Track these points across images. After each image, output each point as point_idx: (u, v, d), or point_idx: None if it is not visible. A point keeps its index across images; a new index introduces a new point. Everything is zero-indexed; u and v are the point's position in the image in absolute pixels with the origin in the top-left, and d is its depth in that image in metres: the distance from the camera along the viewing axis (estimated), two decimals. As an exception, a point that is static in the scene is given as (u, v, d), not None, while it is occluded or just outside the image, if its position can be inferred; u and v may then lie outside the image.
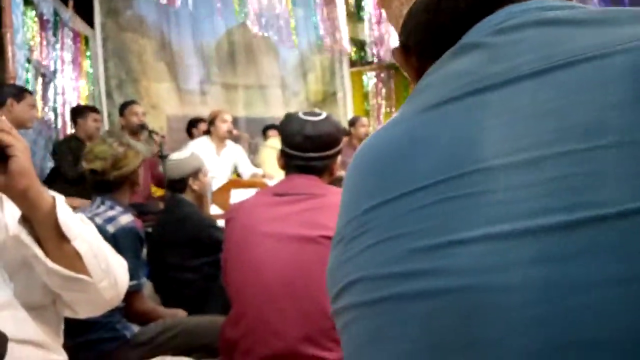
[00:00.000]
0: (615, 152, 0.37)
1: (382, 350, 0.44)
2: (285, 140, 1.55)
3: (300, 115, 1.55)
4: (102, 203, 1.93)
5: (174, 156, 2.62)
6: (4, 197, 1.01)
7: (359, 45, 5.33)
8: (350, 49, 5.10)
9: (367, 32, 5.11)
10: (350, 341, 0.48)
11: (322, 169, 1.53)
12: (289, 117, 1.61)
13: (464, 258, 0.39)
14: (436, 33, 0.53)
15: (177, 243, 2.48)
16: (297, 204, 1.46)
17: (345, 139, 5.03)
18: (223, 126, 3.98)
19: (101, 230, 1.80)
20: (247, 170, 4.15)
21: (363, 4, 4.90)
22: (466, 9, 0.51)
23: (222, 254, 1.57)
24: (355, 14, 5.00)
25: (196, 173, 2.55)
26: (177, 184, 2.55)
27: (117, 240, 1.81)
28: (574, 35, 0.44)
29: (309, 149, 1.50)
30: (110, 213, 1.89)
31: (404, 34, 0.57)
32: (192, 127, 4.74)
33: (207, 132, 4.14)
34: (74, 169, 3.19)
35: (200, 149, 3.94)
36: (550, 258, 0.36)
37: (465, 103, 0.45)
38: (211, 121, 4.04)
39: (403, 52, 0.58)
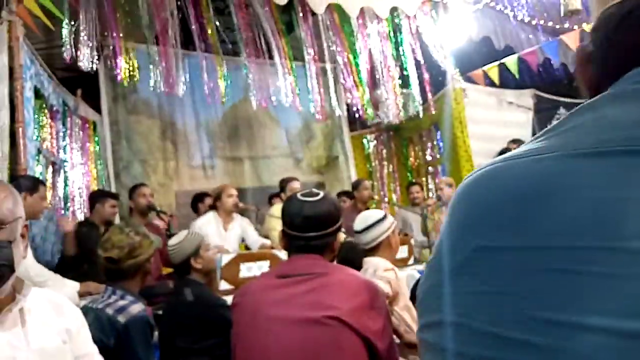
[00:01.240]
0: None
1: None
2: (286, 222, 1.59)
3: (299, 196, 1.60)
4: (114, 293, 1.97)
5: (172, 242, 2.56)
6: (27, 311, 1.08)
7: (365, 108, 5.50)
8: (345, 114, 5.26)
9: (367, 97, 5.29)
10: None
11: (322, 247, 1.56)
12: (288, 200, 1.65)
13: (585, 346, 0.35)
14: (624, 58, 0.48)
15: (186, 325, 2.46)
16: (300, 285, 1.48)
17: (349, 203, 5.10)
18: (230, 200, 4.04)
19: (112, 320, 1.85)
20: (255, 242, 4.17)
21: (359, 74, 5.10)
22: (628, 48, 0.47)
23: (232, 339, 1.58)
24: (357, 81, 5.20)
25: (196, 252, 2.51)
26: (181, 267, 2.55)
27: (129, 330, 1.84)
28: None
29: (308, 229, 1.54)
30: (121, 303, 1.92)
31: (594, 39, 0.52)
32: (197, 202, 4.80)
33: (213, 207, 4.19)
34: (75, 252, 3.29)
35: (206, 225, 3.99)
36: None
37: (613, 162, 0.39)
38: (217, 196, 4.10)
39: (585, 56, 0.53)
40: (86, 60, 3.83)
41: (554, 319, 0.37)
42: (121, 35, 4.11)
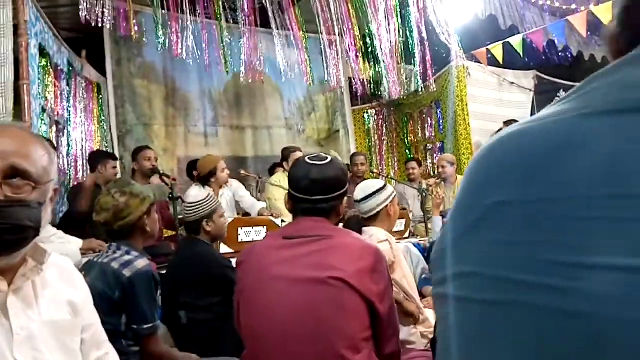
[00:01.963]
0: None
1: (490, 351, 0.43)
2: (292, 185, 1.62)
3: (306, 159, 1.62)
4: (119, 248, 2.00)
5: (189, 201, 2.74)
6: (40, 284, 1.05)
7: (363, 83, 5.50)
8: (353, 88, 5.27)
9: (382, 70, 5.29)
10: (450, 331, 0.47)
11: (329, 211, 1.59)
12: (296, 163, 1.68)
13: (602, 284, 0.37)
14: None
15: (189, 282, 2.53)
16: (305, 246, 1.52)
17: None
18: (224, 175, 4.03)
19: (118, 274, 1.89)
20: (252, 205, 4.18)
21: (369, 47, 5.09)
22: None
23: (235, 297, 1.62)
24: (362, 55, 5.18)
25: (210, 215, 2.66)
26: (192, 226, 2.67)
27: (134, 284, 1.88)
28: None
29: (315, 192, 1.57)
30: (126, 257, 1.95)
31: (620, 16, 0.53)
32: (193, 169, 4.82)
33: (202, 181, 4.07)
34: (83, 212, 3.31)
35: (199, 197, 3.98)
36: None
37: (632, 119, 0.41)
38: (211, 172, 4.03)
39: (613, 34, 0.53)
40: (98, 16, 3.79)
41: (568, 260, 0.39)
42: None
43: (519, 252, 0.42)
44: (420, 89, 5.53)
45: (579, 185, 0.40)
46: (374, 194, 2.39)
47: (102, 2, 3.85)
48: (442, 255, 0.49)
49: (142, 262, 1.93)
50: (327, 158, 1.63)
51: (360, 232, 2.40)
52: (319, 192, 1.57)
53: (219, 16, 4.52)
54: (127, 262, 1.93)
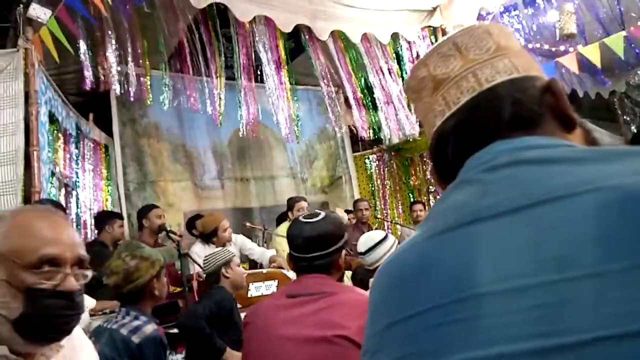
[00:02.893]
0: (580, 284, 0.41)
1: None
2: (290, 244, 1.67)
3: (301, 218, 1.68)
4: (127, 314, 2.03)
5: (207, 253, 3.06)
6: (78, 347, 1.07)
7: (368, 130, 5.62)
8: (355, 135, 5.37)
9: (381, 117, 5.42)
10: None
11: (327, 266, 1.62)
12: (292, 223, 1.73)
13: None
14: (443, 166, 0.64)
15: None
16: (310, 304, 1.54)
17: (351, 221, 5.17)
18: (226, 234, 4.00)
19: (127, 340, 1.91)
20: (262, 254, 4.17)
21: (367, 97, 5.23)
22: (461, 146, 0.61)
23: (243, 358, 1.64)
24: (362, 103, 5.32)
25: (228, 263, 2.90)
26: (212, 277, 2.89)
27: (142, 350, 1.90)
28: (551, 174, 0.50)
29: (310, 249, 1.60)
30: (135, 323, 1.97)
31: (431, 157, 0.68)
32: (193, 224, 4.86)
33: (206, 239, 4.06)
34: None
35: (202, 251, 3.98)
36: None
37: (463, 232, 0.51)
38: (212, 232, 4.00)
39: (432, 174, 0.71)
40: (113, 82, 3.96)
41: None
42: (142, 61, 4.25)
43: None
44: (420, 133, 5.62)
45: (435, 296, 0.49)
46: (377, 245, 2.42)
47: (108, 68, 4.01)
48: None
49: (151, 328, 1.96)
50: (319, 214, 1.67)
51: (367, 283, 2.42)
52: (314, 249, 1.60)
53: (219, 71, 4.68)
54: (136, 327, 1.95)
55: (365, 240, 2.46)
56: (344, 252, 1.68)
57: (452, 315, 0.47)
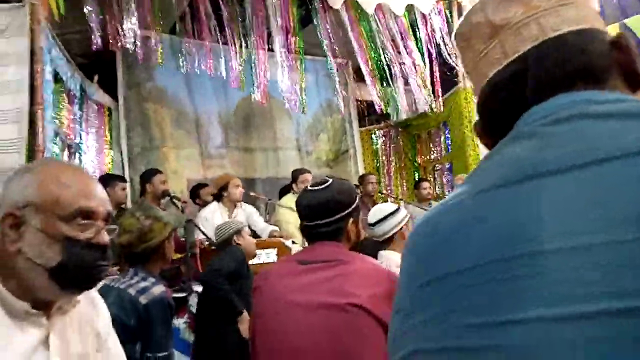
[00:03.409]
0: None
1: None
2: (298, 213, 1.66)
3: (308, 186, 1.67)
4: (135, 274, 2.00)
5: (219, 223, 3.21)
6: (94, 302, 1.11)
7: (370, 105, 5.55)
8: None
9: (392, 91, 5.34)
10: None
11: (333, 234, 1.59)
12: (301, 191, 1.72)
13: (518, 337, 0.42)
14: (493, 120, 0.61)
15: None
16: (322, 271, 1.52)
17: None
18: (237, 191, 4.10)
19: (134, 300, 1.90)
20: (264, 229, 4.23)
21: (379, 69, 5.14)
22: (517, 97, 0.57)
23: (251, 322, 1.63)
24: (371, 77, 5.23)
25: (239, 231, 3.05)
26: (224, 244, 2.98)
27: (149, 311, 1.89)
28: (620, 129, 0.47)
29: (313, 217, 1.59)
30: (143, 284, 1.95)
31: (479, 109, 0.64)
32: (197, 191, 4.88)
33: (217, 197, 4.21)
34: None
35: (211, 214, 4.04)
36: (603, 341, 0.39)
37: (519, 188, 0.48)
38: (224, 187, 4.13)
39: (477, 129, 0.66)
40: (124, 42, 3.88)
41: (488, 321, 0.44)
42: (152, 23, 4.17)
43: (443, 323, 0.48)
44: (432, 109, 5.54)
45: (477, 255, 0.47)
46: (387, 217, 2.39)
47: (116, 28, 3.92)
48: (392, 340, 0.57)
49: (159, 289, 1.94)
50: (325, 182, 1.65)
51: (375, 256, 2.40)
52: (318, 217, 1.58)
53: (238, 37, 4.60)
54: (144, 288, 1.94)
55: (375, 212, 2.43)
56: (351, 220, 1.63)
57: (502, 272, 0.45)
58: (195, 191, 4.91)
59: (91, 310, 1.13)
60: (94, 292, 1.18)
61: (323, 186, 1.62)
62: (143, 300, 1.90)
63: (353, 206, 1.64)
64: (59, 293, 0.96)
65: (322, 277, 1.51)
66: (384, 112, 5.39)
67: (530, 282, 0.43)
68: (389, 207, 2.47)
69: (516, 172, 0.49)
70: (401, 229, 2.38)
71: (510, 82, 0.59)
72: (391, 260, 2.27)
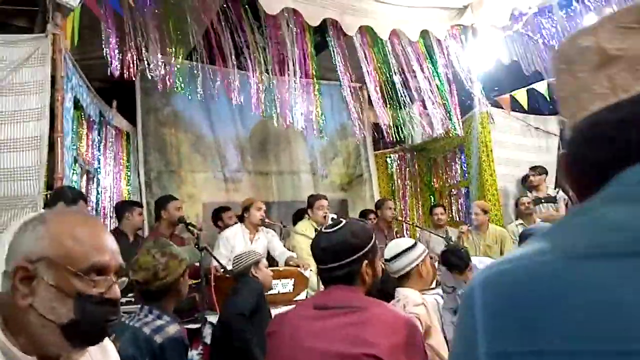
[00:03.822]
0: None
1: None
2: (313, 256, 1.66)
3: (322, 229, 1.67)
4: (150, 312, 1.99)
5: (237, 253, 3.16)
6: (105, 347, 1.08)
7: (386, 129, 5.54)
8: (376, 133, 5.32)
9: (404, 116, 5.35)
10: None
11: (347, 277, 1.57)
12: (317, 233, 1.71)
13: None
14: (584, 161, 0.53)
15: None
16: (338, 318, 1.50)
17: (374, 222, 5.11)
18: (257, 214, 4.14)
19: (149, 339, 1.89)
20: (282, 254, 4.24)
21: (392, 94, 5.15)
22: (619, 148, 0.50)
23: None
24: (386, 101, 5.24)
25: (257, 263, 3.03)
26: (241, 276, 2.98)
27: (164, 350, 1.87)
28: None
29: (326, 260, 1.58)
30: (158, 323, 1.94)
31: (570, 145, 0.55)
32: (219, 214, 4.90)
33: (240, 219, 4.28)
34: None
35: (233, 236, 4.08)
36: None
37: (621, 264, 0.41)
38: (246, 208, 4.21)
39: (563, 164, 0.57)
40: (131, 71, 3.94)
41: None
42: (170, 50, 4.24)
43: None
44: (452, 132, 5.50)
45: (576, 337, 0.40)
46: (403, 252, 2.31)
47: (134, 54, 3.98)
48: None
49: (174, 328, 1.93)
50: (340, 223, 1.63)
51: (394, 293, 2.34)
52: (330, 260, 1.58)
53: (259, 63, 4.66)
54: (159, 327, 1.92)
55: (392, 247, 2.36)
56: (365, 262, 1.60)
57: None
58: (217, 214, 4.93)
59: (100, 356, 1.12)
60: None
61: (336, 228, 1.61)
62: (158, 339, 1.89)
63: (367, 248, 1.61)
64: (70, 350, 0.96)
65: (338, 324, 1.48)
66: (392, 137, 5.37)
67: None
68: (406, 242, 2.41)
69: (622, 244, 0.42)
70: (418, 265, 2.30)
71: (616, 128, 0.50)
72: (409, 298, 2.21)
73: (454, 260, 3.29)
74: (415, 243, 2.40)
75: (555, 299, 0.43)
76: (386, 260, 2.38)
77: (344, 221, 1.66)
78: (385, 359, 1.39)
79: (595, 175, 0.50)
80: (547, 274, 0.44)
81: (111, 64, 3.83)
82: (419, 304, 2.17)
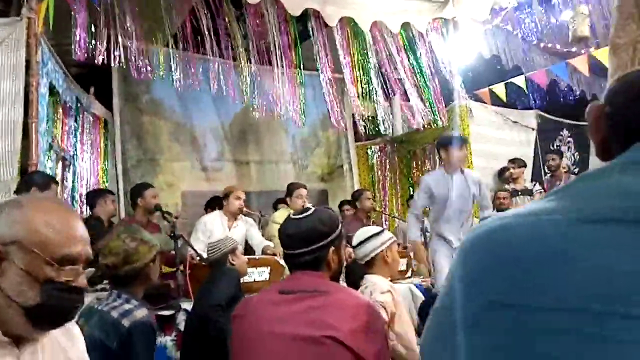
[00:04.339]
0: None
1: None
2: (280, 241, 1.67)
3: (290, 215, 1.68)
4: (119, 297, 2.00)
5: (212, 241, 3.14)
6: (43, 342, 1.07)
7: (368, 120, 5.56)
8: (357, 124, 5.33)
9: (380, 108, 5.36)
10: None
11: (314, 263, 1.59)
12: (285, 219, 1.71)
13: None
14: (614, 122, 0.51)
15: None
16: (301, 302, 1.52)
17: (351, 212, 5.15)
18: (236, 203, 4.13)
19: (117, 323, 1.89)
20: (259, 244, 4.23)
21: (371, 86, 5.16)
22: None
23: (230, 350, 1.62)
24: (364, 93, 5.26)
25: (234, 250, 3.01)
26: (217, 263, 2.95)
27: (132, 334, 1.87)
28: None
29: (294, 246, 1.60)
30: (126, 306, 1.94)
31: (613, 101, 0.52)
32: (212, 204, 4.87)
33: (219, 206, 4.28)
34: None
35: (212, 222, 4.08)
36: None
37: (629, 230, 0.40)
38: (225, 196, 4.20)
39: (601, 115, 0.53)
40: (103, 56, 3.88)
41: None
42: (146, 36, 4.19)
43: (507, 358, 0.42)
44: (434, 124, 5.52)
45: (575, 297, 0.40)
46: (368, 239, 2.33)
47: (111, 41, 3.94)
48: (431, 349, 0.51)
49: (142, 312, 1.93)
50: (308, 210, 1.65)
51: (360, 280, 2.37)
52: (298, 246, 1.59)
53: (238, 52, 4.62)
54: (127, 311, 1.92)
55: (359, 234, 2.39)
56: (332, 249, 1.62)
57: (590, 327, 0.38)
58: (211, 204, 4.89)
59: (65, 340, 1.13)
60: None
61: (305, 215, 1.63)
62: (126, 323, 1.89)
63: (334, 235, 1.63)
64: (32, 331, 0.98)
65: (301, 308, 1.50)
66: (369, 129, 5.40)
67: (610, 347, 0.37)
68: (373, 229, 2.43)
69: (630, 210, 0.41)
70: (382, 252, 2.31)
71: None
72: (376, 285, 2.23)
73: None
74: (382, 230, 2.43)
75: (557, 258, 0.42)
76: (353, 246, 2.41)
77: (312, 208, 1.68)
78: (346, 342, 1.41)
79: (624, 137, 0.48)
80: (553, 233, 0.43)
81: (78, 49, 3.75)
82: (385, 292, 2.20)
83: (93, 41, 3.89)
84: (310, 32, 4.74)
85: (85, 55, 3.78)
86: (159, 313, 2.89)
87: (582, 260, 0.41)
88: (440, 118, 5.50)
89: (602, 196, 0.44)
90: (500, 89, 5.72)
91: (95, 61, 3.90)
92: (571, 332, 0.39)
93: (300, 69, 4.95)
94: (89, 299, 2.51)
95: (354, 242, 2.38)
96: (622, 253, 0.39)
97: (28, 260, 0.94)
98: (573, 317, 0.39)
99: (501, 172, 5.77)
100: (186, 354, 2.79)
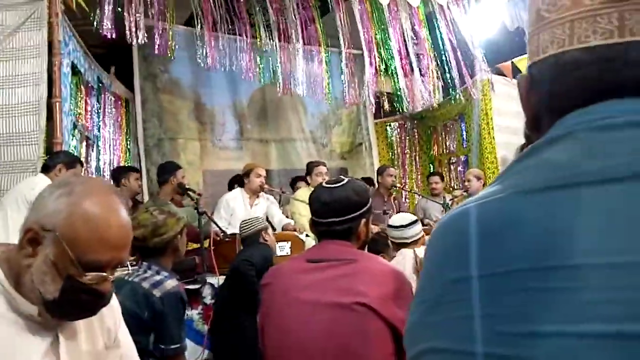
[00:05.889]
0: None
1: None
2: (310, 208, 1.66)
3: (323, 184, 1.67)
4: (149, 268, 2.04)
5: (246, 218, 3.30)
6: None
7: (387, 97, 5.50)
8: (372, 102, 5.27)
9: (401, 84, 5.28)
10: None
11: (345, 233, 1.59)
12: (316, 187, 1.71)
13: (542, 351, 0.41)
14: (557, 97, 0.54)
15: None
16: (330, 270, 1.53)
17: (372, 190, 5.14)
18: (257, 180, 4.15)
19: (148, 294, 1.94)
20: (279, 221, 4.27)
21: (390, 61, 5.09)
22: (567, 92, 0.52)
23: (259, 319, 1.64)
24: (383, 69, 5.19)
25: (266, 228, 3.20)
26: (250, 239, 3.12)
27: (163, 304, 1.92)
28: None
29: (327, 214, 1.58)
30: (157, 278, 1.99)
31: (541, 70, 0.56)
32: (233, 183, 4.89)
33: (241, 184, 4.32)
34: None
35: (233, 200, 4.12)
36: None
37: (558, 195, 0.46)
38: (246, 174, 4.23)
39: (529, 85, 0.58)
40: (129, 35, 3.89)
41: (516, 331, 0.43)
42: (168, 15, 4.19)
43: (476, 327, 0.46)
44: (454, 99, 5.44)
45: (524, 258, 0.45)
46: (415, 222, 2.74)
47: (134, 21, 3.94)
48: (411, 331, 0.55)
49: (172, 283, 1.98)
50: (342, 180, 1.64)
51: (384, 252, 2.48)
52: (331, 215, 1.58)
53: (257, 29, 4.59)
54: (158, 282, 1.97)
55: (404, 217, 2.77)
56: (363, 220, 1.63)
57: (535, 282, 0.43)
58: (232, 183, 4.91)
59: (106, 311, 1.13)
60: None
61: (338, 184, 1.62)
62: (157, 293, 1.94)
63: (367, 207, 1.64)
64: (51, 319, 0.97)
65: (330, 276, 1.51)
66: (389, 106, 5.34)
67: (561, 296, 0.42)
68: (411, 215, 2.87)
69: (555, 178, 0.47)
70: (423, 235, 2.73)
71: (569, 73, 0.52)
72: (408, 257, 2.42)
73: None
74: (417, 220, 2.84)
75: (506, 228, 0.47)
76: (403, 225, 2.71)
77: (345, 179, 1.67)
78: (375, 307, 1.42)
79: (550, 114, 0.54)
80: (491, 210, 0.50)
81: (103, 27, 3.76)
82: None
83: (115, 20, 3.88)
84: (330, 7, 4.68)
85: (113, 33, 3.78)
86: (186, 287, 2.94)
87: (516, 226, 0.46)
88: (461, 93, 5.41)
89: (536, 171, 0.49)
90: (523, 63, 5.59)
91: (124, 38, 3.91)
92: (521, 290, 0.44)
93: (325, 45, 4.90)
94: (117, 273, 2.59)
95: (404, 222, 2.70)
96: (543, 217, 0.45)
97: (57, 253, 0.92)
98: (520, 276, 0.44)
99: (523, 148, 5.67)
100: (218, 323, 2.88)
